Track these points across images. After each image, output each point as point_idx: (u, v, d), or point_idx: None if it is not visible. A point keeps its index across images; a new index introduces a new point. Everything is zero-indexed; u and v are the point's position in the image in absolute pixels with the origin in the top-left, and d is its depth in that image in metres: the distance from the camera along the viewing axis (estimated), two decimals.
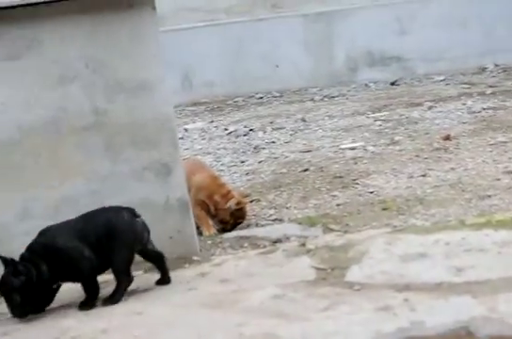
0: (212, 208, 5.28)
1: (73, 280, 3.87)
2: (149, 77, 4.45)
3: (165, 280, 4.07)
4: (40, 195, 4.45)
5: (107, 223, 3.87)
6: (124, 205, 4.05)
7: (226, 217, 5.23)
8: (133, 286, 4.02)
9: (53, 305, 3.93)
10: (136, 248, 3.93)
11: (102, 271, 3.95)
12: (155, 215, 4.47)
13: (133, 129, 4.46)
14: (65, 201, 4.43)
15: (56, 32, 4.35)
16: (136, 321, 3.55)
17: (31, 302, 3.78)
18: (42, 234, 3.88)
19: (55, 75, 4.38)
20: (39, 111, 4.39)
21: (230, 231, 5.17)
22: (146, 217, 4.41)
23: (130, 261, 3.91)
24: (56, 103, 4.40)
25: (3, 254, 3.80)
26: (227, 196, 5.27)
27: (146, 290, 4.02)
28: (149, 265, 4.38)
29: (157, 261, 4.08)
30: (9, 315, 3.82)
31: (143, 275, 4.29)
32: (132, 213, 3.95)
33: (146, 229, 3.98)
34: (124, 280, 3.89)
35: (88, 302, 3.84)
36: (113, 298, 3.85)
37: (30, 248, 3.83)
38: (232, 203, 5.19)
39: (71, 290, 4.01)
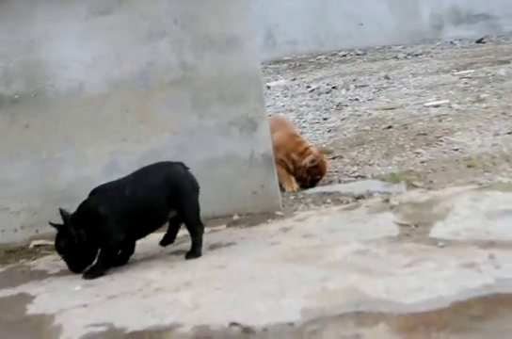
0: (291, 166, 5.31)
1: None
2: (238, 32, 4.45)
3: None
4: (128, 149, 4.53)
5: (166, 178, 3.88)
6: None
7: (303, 174, 5.26)
8: (215, 240, 4.10)
9: (136, 257, 4.01)
10: (196, 197, 3.96)
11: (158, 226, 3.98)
12: (239, 170, 4.53)
13: (220, 84, 4.49)
14: (151, 155, 4.47)
15: None
16: (218, 274, 3.58)
17: (78, 261, 3.83)
18: (92, 194, 3.88)
19: (144, 31, 4.43)
20: (127, 66, 4.45)
21: (310, 187, 5.20)
22: (230, 171, 4.51)
23: (198, 210, 3.95)
24: (145, 58, 4.45)
25: None
26: (304, 153, 5.29)
27: (229, 244, 4.05)
28: (233, 219, 4.46)
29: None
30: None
31: (226, 229, 4.35)
32: (183, 166, 3.98)
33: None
34: (199, 229, 3.93)
35: (95, 270, 3.82)
36: (195, 252, 3.89)
37: (78, 209, 3.86)
38: (306, 161, 5.22)
39: (153, 244, 4.10)
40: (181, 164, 3.96)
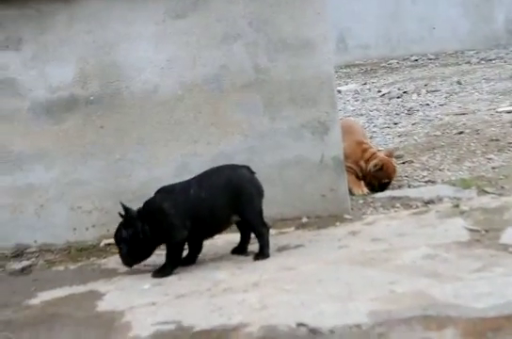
0: (360, 173, 5.34)
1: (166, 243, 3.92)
2: (312, 36, 4.46)
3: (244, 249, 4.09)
4: (199, 151, 4.57)
5: (229, 181, 3.91)
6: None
7: (371, 179, 5.29)
8: (284, 242, 4.12)
9: (205, 258, 4.05)
10: (260, 201, 3.97)
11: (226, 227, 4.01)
12: (309, 172, 4.54)
13: (293, 87, 4.50)
14: (222, 157, 4.52)
15: None
16: (287, 276, 3.59)
17: (135, 255, 3.89)
18: (158, 192, 3.93)
19: (219, 34, 4.48)
20: (201, 69, 4.50)
21: (380, 192, 5.19)
22: (300, 174, 4.52)
23: (261, 212, 3.95)
24: (219, 61, 4.50)
25: None
26: (369, 160, 5.30)
27: (297, 246, 4.06)
28: (301, 221, 4.47)
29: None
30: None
31: (295, 231, 4.36)
32: (249, 169, 4.00)
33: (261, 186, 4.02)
34: (264, 231, 3.94)
35: (164, 270, 3.86)
36: (263, 253, 3.92)
37: (145, 204, 3.91)
38: (371, 166, 5.23)
39: (224, 243, 4.14)
40: (247, 167, 4.00)
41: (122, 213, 3.84)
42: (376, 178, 5.26)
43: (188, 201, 3.85)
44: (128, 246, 3.86)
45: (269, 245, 3.93)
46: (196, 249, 4.00)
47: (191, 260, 3.99)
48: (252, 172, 3.99)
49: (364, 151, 5.40)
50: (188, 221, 3.82)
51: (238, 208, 3.90)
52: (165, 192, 3.91)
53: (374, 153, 5.35)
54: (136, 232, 3.82)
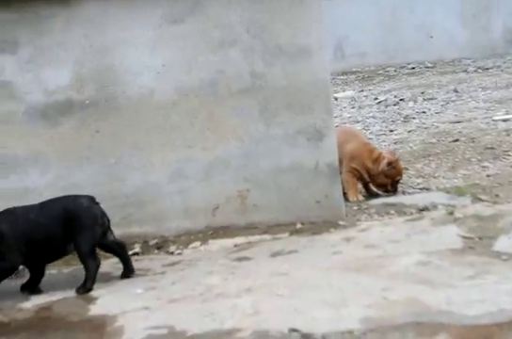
0: (365, 175, 5.32)
1: None
2: (308, 42, 4.46)
3: (129, 270, 4.03)
4: (194, 156, 4.57)
5: (67, 210, 3.87)
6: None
7: (383, 180, 5.26)
8: (278, 248, 4.12)
9: (198, 262, 4.05)
10: (97, 232, 3.91)
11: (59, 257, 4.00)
12: (304, 179, 4.54)
13: (289, 93, 4.50)
14: (217, 162, 4.53)
15: None
16: (280, 281, 3.60)
17: None
18: (1, 213, 3.90)
19: (215, 39, 4.48)
20: (198, 74, 4.50)
21: (394, 192, 5.22)
22: (295, 180, 4.52)
23: (93, 245, 3.90)
24: (216, 66, 4.50)
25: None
26: (378, 160, 5.29)
27: (291, 252, 4.06)
28: (295, 227, 4.46)
29: (119, 251, 4.04)
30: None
31: (289, 237, 4.36)
32: (91, 199, 3.95)
33: (105, 215, 3.97)
34: (91, 265, 3.86)
35: None
36: (84, 286, 3.83)
37: None
38: (383, 166, 5.22)
39: (219, 248, 4.14)
40: (88, 197, 3.95)
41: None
42: (390, 176, 5.24)
43: (26, 226, 3.84)
44: None
45: (95, 279, 3.86)
46: (38, 273, 3.99)
47: (33, 284, 3.98)
48: (95, 203, 3.94)
49: (371, 151, 5.40)
50: (23, 246, 3.82)
51: (73, 238, 3.87)
52: (6, 214, 3.90)
53: (380, 154, 5.35)
54: None
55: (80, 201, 3.91)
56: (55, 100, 4.50)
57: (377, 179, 5.28)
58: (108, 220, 3.96)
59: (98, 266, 3.88)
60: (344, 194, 5.00)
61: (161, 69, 4.48)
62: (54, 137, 4.52)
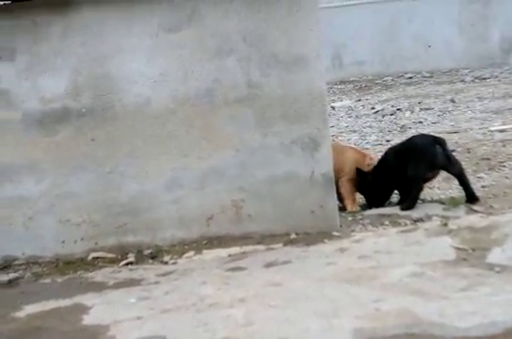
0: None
1: None
2: (305, 52, 4.47)
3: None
4: (190, 165, 4.57)
5: None
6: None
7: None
8: (271, 258, 4.11)
9: (192, 273, 4.04)
10: None
11: None
12: (299, 188, 4.54)
13: (284, 103, 4.51)
14: (213, 171, 4.53)
15: (218, 4, 4.45)
16: (273, 292, 3.60)
17: None
18: None
19: (212, 48, 4.48)
20: (194, 83, 4.50)
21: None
22: (289, 190, 4.52)
23: None
24: (212, 75, 4.50)
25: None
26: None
27: (285, 262, 4.06)
28: (290, 237, 4.46)
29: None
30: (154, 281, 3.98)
31: (283, 248, 4.36)
32: None
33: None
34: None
35: None
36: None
37: None
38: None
39: (213, 257, 4.13)
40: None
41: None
42: None
43: None
44: None
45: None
46: None
47: None
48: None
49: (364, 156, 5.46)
50: None
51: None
52: None
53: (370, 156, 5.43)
54: None
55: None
56: (51, 108, 4.50)
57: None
58: None
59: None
60: (341, 201, 5.04)
61: (157, 77, 4.49)
62: (50, 145, 4.52)
